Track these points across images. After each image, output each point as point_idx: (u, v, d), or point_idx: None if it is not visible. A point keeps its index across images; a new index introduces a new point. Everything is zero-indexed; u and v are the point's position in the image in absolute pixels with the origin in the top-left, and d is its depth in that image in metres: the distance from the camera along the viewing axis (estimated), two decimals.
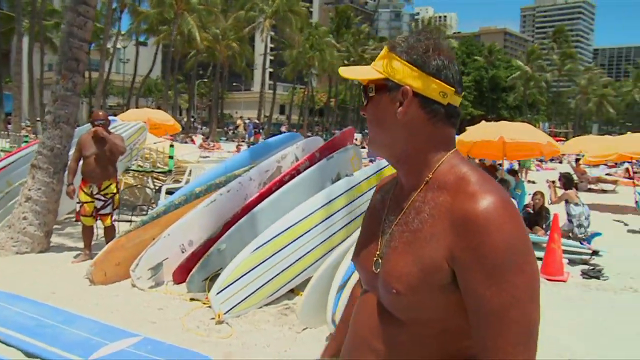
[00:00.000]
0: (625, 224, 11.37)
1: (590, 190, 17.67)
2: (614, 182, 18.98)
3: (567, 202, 8.39)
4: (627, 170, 21.47)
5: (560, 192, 8.68)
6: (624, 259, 8.06)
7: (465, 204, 1.11)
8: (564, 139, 50.69)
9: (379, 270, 1.26)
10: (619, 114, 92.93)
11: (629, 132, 17.63)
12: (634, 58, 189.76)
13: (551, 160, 26.48)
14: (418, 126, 1.23)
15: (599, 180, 19.08)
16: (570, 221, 8.02)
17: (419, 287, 1.15)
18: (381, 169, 6.45)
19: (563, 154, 25.08)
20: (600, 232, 8.38)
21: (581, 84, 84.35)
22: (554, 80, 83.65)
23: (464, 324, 1.15)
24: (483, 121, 14.35)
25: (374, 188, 5.14)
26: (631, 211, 12.75)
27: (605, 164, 22.54)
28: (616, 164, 23.11)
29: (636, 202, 12.05)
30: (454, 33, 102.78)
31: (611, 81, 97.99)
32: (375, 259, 1.28)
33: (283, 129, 48.72)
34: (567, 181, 9.21)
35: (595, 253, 7.60)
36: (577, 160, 20.27)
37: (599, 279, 6.81)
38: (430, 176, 1.23)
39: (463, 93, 1.27)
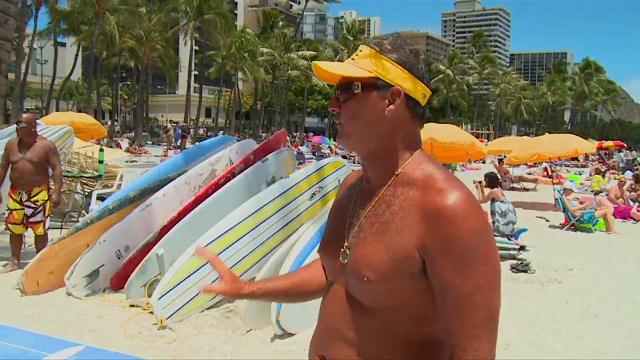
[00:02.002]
0: (547, 220, 12.00)
1: (513, 188, 18.49)
2: (535, 181, 19.94)
3: (493, 200, 8.76)
4: (545, 169, 22.63)
5: (487, 191, 9.05)
6: (548, 253, 8.53)
7: (435, 198, 1.20)
8: (486, 139, 52.71)
9: (346, 260, 1.32)
10: (534, 116, 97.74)
11: (546, 133, 18.60)
12: (546, 63, 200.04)
13: (475, 160, 27.47)
14: (400, 124, 1.31)
15: (520, 179, 19.99)
16: (495, 219, 8.38)
17: (390, 275, 1.23)
18: (316, 171, 6.54)
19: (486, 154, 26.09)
20: (527, 228, 8.80)
21: (500, 87, 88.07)
22: (474, 84, 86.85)
23: (432, 310, 1.24)
24: None
25: (313, 188, 5.20)
26: (551, 208, 13.45)
27: (526, 164, 23.69)
28: (535, 163, 24.33)
29: (555, 199, 12.71)
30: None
31: (527, 85, 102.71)
32: (342, 250, 1.35)
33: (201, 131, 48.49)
34: (491, 180, 9.63)
35: (522, 248, 7.98)
36: (500, 160, 21.14)
37: (527, 272, 7.17)
38: (399, 171, 1.31)
39: None
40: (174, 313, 4.72)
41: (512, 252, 7.87)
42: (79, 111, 43.57)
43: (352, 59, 1.33)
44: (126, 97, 69.39)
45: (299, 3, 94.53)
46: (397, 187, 1.29)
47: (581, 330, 5.12)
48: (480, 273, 1.16)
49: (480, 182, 10.74)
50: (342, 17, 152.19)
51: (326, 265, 1.47)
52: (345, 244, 1.35)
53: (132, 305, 5.08)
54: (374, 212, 1.31)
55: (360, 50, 1.33)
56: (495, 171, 16.74)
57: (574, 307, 5.84)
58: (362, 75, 1.30)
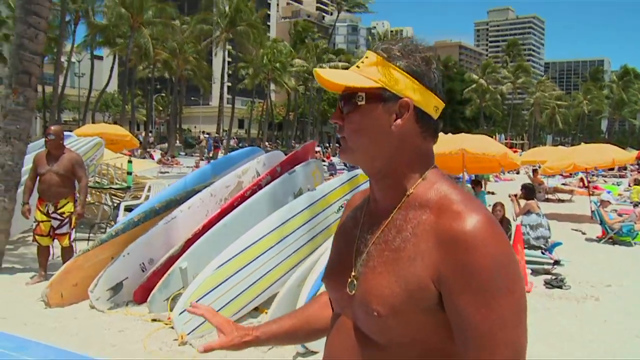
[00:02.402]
0: (583, 233, 11.62)
1: (547, 200, 18.03)
2: (570, 192, 19.45)
3: (528, 212, 8.50)
4: (581, 180, 22.06)
5: (522, 203, 8.80)
6: (584, 267, 8.22)
7: (452, 223, 1.06)
8: (520, 150, 51.84)
9: (354, 291, 1.19)
10: (570, 125, 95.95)
11: (582, 143, 18.15)
12: (582, 71, 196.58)
13: (508, 171, 26.96)
14: (409, 140, 1.17)
15: (555, 190, 19.52)
16: (526, 231, 8.12)
17: (402, 309, 1.09)
18: (343, 183, 6.42)
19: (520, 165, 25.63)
20: (561, 242, 8.51)
21: (535, 96, 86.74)
22: (508, 93, 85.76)
23: (449, 346, 1.09)
24: (441, 133, 14.49)
25: (341, 200, 5.05)
26: (587, 220, 13.04)
27: (561, 174, 23.13)
28: (571, 174, 23.74)
29: (592, 211, 12.31)
30: None
31: (562, 94, 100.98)
32: (349, 280, 1.21)
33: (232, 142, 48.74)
34: (528, 191, 9.32)
35: (556, 263, 7.70)
36: (534, 170, 20.70)
37: (561, 288, 6.90)
38: (410, 192, 1.17)
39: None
40: (195, 329, 4.64)
41: (546, 266, 7.60)
42: (114, 123, 44.31)
43: (358, 66, 1.20)
44: (161, 108, 70.50)
45: (331, 14, 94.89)
46: (408, 209, 1.15)
47: (619, 353, 4.85)
48: (505, 306, 1.02)
49: (515, 195, 10.43)
50: (375, 27, 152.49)
51: (332, 296, 1.33)
52: (353, 273, 1.21)
53: (154, 320, 5.02)
54: (383, 238, 1.17)
55: (367, 57, 1.20)
56: (530, 182, 16.35)
57: (613, 327, 5.56)
58: (366, 85, 1.16)
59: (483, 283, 1.02)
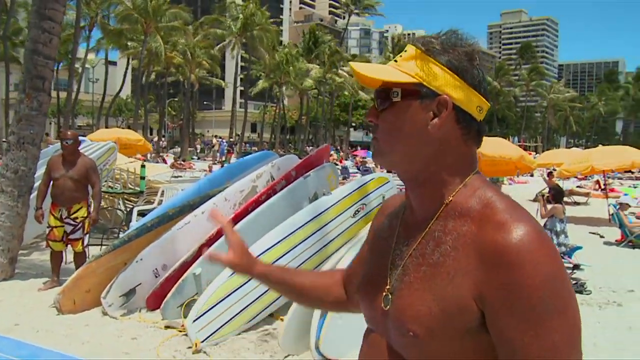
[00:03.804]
0: (601, 236, 11.43)
1: (564, 202, 17.80)
2: (587, 195, 19.20)
3: (552, 216, 8.32)
4: (597, 182, 21.78)
5: (549, 206, 8.59)
6: (604, 272, 8.05)
7: (495, 235, 0.96)
8: (534, 152, 51.47)
9: (388, 307, 1.09)
10: (584, 127, 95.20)
11: (600, 145, 17.90)
12: (597, 73, 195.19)
13: (522, 174, 26.70)
14: (449, 142, 1.07)
15: (571, 192, 19.27)
16: (552, 237, 7.95)
17: (440, 330, 0.99)
18: (359, 187, 6.32)
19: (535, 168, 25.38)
20: (581, 246, 8.33)
21: (548, 98, 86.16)
22: (522, 95, 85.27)
23: None
24: None
25: (356, 205, 4.92)
26: (605, 223, 12.84)
27: (576, 177, 22.85)
28: (586, 176, 23.45)
29: (611, 214, 12.10)
30: None
31: (577, 95, 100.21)
32: (385, 294, 1.11)
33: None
34: (557, 194, 9.07)
35: (576, 267, 7.54)
36: (549, 173, 20.46)
37: (582, 293, 6.74)
38: (450, 200, 1.06)
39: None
40: (209, 336, 4.55)
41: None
42: (128, 127, 44.56)
43: (395, 60, 1.10)
44: (174, 113, 70.84)
45: (344, 18, 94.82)
46: (447, 219, 1.05)
47: None
48: (556, 329, 0.92)
49: (543, 196, 10.19)
50: (387, 30, 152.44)
51: (364, 310, 1.22)
52: (387, 287, 1.11)
53: (168, 327, 4.94)
54: (420, 251, 1.06)
55: (405, 51, 1.10)
56: (545, 185, 16.14)
57: (639, 334, 5.40)
58: (403, 80, 1.06)
59: (531, 304, 0.91)
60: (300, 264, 5.28)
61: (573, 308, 0.95)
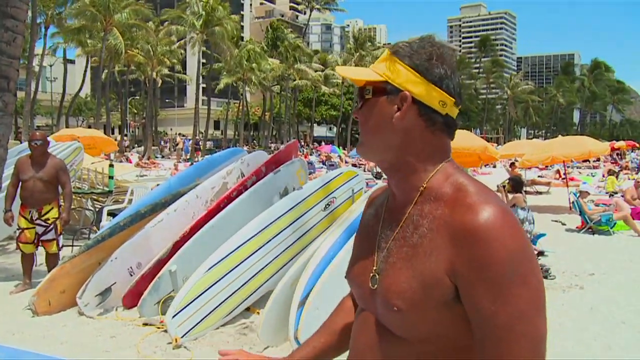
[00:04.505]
0: (563, 224, 11.80)
1: (526, 192, 18.19)
2: (548, 184, 19.71)
3: (513, 205, 8.59)
4: (557, 172, 22.37)
5: (510, 196, 8.84)
6: (567, 257, 8.35)
7: (464, 216, 1.07)
8: (496, 144, 52.46)
9: (376, 286, 1.20)
10: (543, 118, 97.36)
11: (559, 136, 18.42)
12: (554, 65, 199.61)
13: (485, 165, 27.23)
14: (414, 133, 1.19)
15: (533, 182, 19.76)
16: None
17: (420, 303, 1.10)
18: (329, 181, 6.43)
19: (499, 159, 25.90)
20: (545, 233, 8.62)
21: (509, 91, 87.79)
22: (482, 88, 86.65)
23: (469, 339, 1.10)
24: None
25: (327, 198, 5.04)
26: (566, 211, 13.25)
27: (537, 167, 23.44)
28: (547, 166, 24.07)
29: (572, 202, 12.51)
30: (385, 44, 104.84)
31: (536, 88, 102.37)
32: (372, 274, 1.22)
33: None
34: (516, 184, 9.34)
35: (541, 254, 7.80)
36: (511, 164, 20.94)
37: (546, 278, 6.98)
38: (424, 186, 1.18)
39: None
40: (188, 331, 4.61)
41: None
42: (89, 127, 43.72)
43: (373, 63, 1.25)
44: (135, 111, 69.76)
45: (305, 13, 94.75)
46: (424, 204, 1.17)
47: (610, 340, 4.94)
48: (521, 298, 1.03)
49: (504, 187, 10.46)
50: (348, 25, 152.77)
51: (355, 292, 1.34)
52: (374, 267, 1.22)
53: (146, 324, 4.97)
54: (402, 233, 1.18)
55: (382, 54, 1.26)
56: (507, 175, 16.53)
57: (599, 315, 5.67)
58: (373, 78, 1.21)
59: (498, 276, 1.02)
60: (275, 258, 5.37)
61: (537, 278, 1.06)
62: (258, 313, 5.13)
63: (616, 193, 16.10)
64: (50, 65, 52.50)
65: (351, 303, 1.50)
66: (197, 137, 46.07)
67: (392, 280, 1.15)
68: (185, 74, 61.63)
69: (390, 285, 1.15)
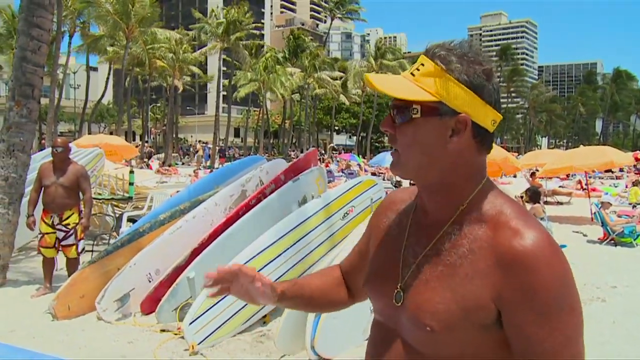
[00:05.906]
0: (584, 235, 11.62)
1: (546, 202, 18.02)
2: (569, 194, 19.47)
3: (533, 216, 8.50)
4: (579, 182, 22.08)
5: (528, 206, 8.77)
6: (588, 269, 8.20)
7: (512, 242, 1.06)
8: (517, 153, 52.02)
9: (400, 303, 1.17)
10: (565, 128, 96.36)
11: (581, 145, 18.19)
12: (576, 74, 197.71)
13: (507, 175, 26.95)
14: (466, 155, 1.14)
15: (554, 192, 19.53)
16: None
17: (457, 325, 1.08)
18: (351, 188, 6.41)
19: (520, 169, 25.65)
20: (565, 244, 8.51)
21: (530, 99, 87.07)
22: (503, 97, 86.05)
23: None
24: None
25: (346, 207, 4.99)
26: (587, 222, 13.04)
27: (558, 177, 23.17)
28: (568, 176, 23.79)
29: (593, 213, 12.33)
30: (405, 53, 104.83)
31: (557, 97, 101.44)
32: (396, 291, 1.19)
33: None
34: (534, 195, 9.27)
35: None
36: (532, 174, 20.73)
37: None
38: (464, 205, 1.15)
39: None
40: (205, 338, 4.62)
41: None
42: (110, 133, 44.24)
43: (412, 74, 1.15)
44: (157, 117, 70.45)
45: (325, 22, 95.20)
46: (463, 223, 1.13)
47: (633, 355, 4.84)
48: (568, 324, 1.04)
49: (522, 197, 10.39)
50: (369, 34, 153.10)
51: (374, 304, 1.29)
52: (400, 284, 1.19)
53: (163, 330, 4.99)
54: (436, 251, 1.15)
55: (422, 64, 1.14)
56: (534, 185, 16.38)
57: (622, 329, 5.56)
58: (423, 98, 1.11)
59: (547, 303, 1.02)
60: (293, 266, 5.36)
61: (580, 305, 1.07)
62: (265, 322, 5.14)
63: None
64: (74, 73, 53.29)
65: (339, 274, 1.50)
66: (222, 146, 46.31)
67: (425, 299, 1.12)
68: (206, 82, 61.94)
69: (423, 304, 1.12)
